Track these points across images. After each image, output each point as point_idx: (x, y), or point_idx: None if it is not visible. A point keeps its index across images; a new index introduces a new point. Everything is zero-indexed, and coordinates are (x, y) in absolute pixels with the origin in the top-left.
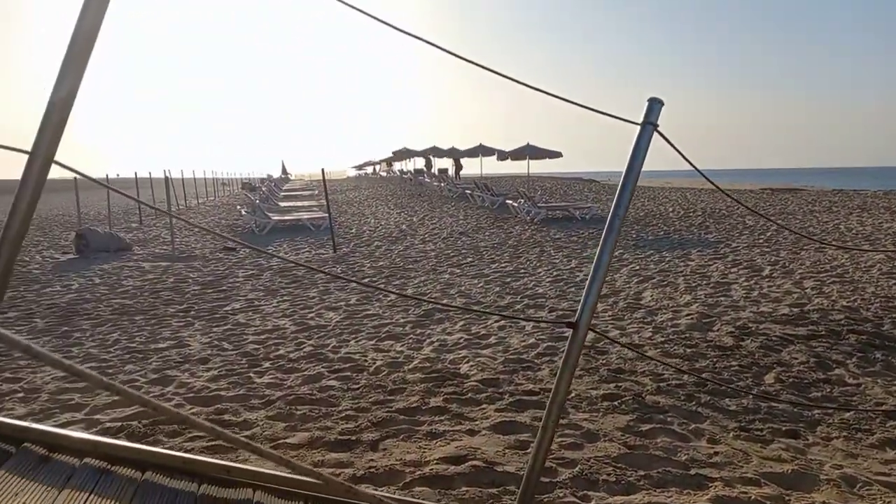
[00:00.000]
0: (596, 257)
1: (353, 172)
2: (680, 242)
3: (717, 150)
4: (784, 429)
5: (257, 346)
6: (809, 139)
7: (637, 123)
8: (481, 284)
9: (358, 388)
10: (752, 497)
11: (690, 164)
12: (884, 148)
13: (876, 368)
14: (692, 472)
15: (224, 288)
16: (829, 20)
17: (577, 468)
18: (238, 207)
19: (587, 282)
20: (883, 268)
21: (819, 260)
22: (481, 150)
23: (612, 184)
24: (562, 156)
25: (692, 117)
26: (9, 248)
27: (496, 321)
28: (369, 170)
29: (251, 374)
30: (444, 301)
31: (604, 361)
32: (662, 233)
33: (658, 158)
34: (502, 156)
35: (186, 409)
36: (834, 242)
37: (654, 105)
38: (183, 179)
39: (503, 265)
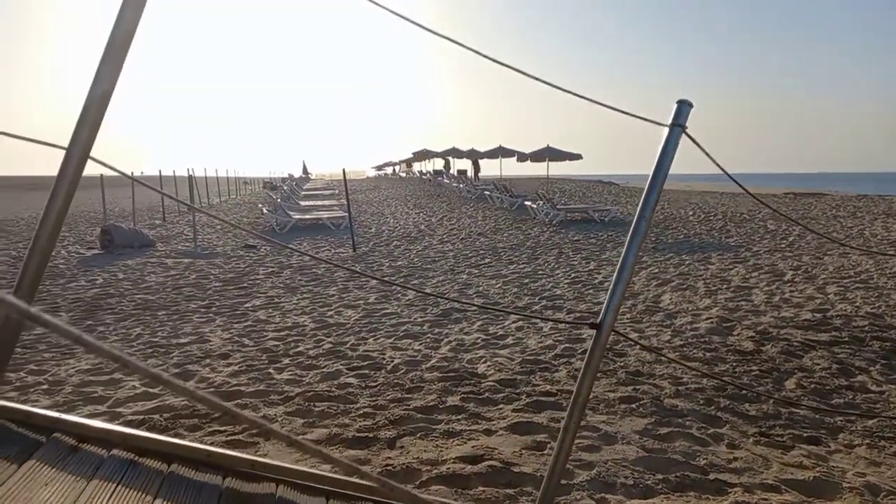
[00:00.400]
0: (621, 259)
1: (372, 173)
2: (700, 246)
3: (736, 153)
4: (805, 435)
5: (277, 343)
6: (834, 142)
7: (665, 125)
8: (499, 285)
9: (376, 386)
10: (772, 503)
11: (719, 166)
12: None
13: None
14: (711, 476)
15: (245, 285)
16: (855, 19)
17: (594, 470)
18: (259, 206)
19: (611, 283)
20: None
21: (843, 265)
22: (501, 152)
23: (631, 187)
24: (582, 158)
25: (710, 119)
26: (45, 241)
27: (513, 322)
28: (389, 170)
29: (271, 370)
30: (464, 300)
31: (622, 364)
32: (682, 236)
33: (679, 162)
34: (522, 157)
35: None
36: (857, 247)
37: (683, 107)
38: (206, 178)
39: (521, 266)
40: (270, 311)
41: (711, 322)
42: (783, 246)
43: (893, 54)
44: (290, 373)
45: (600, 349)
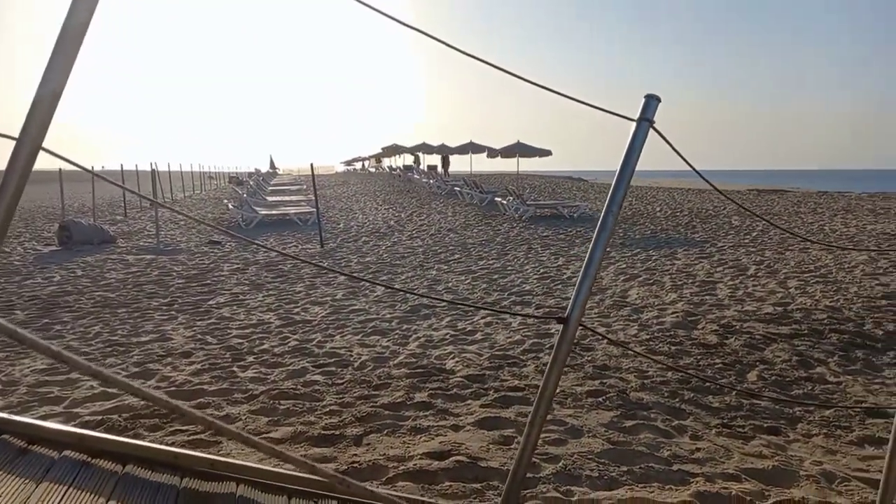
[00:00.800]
0: (588, 254)
1: (341, 168)
2: (667, 241)
3: (702, 149)
4: (765, 425)
5: (241, 341)
6: (796, 141)
7: (633, 119)
8: (468, 281)
9: (342, 384)
10: (733, 492)
11: (685, 160)
12: (870, 151)
13: (857, 367)
14: (674, 467)
15: (209, 282)
16: (817, 22)
17: (560, 463)
18: (225, 201)
19: (579, 278)
20: (866, 269)
21: (803, 260)
22: (471, 148)
23: (600, 183)
24: (552, 154)
25: (680, 115)
26: None
27: (482, 317)
28: (358, 165)
29: (235, 369)
30: (433, 296)
31: (589, 358)
32: (649, 232)
33: (647, 158)
34: (492, 153)
35: None
36: (818, 241)
37: (651, 101)
38: (170, 172)
39: (491, 262)
40: (235, 308)
41: (677, 316)
42: (747, 241)
43: (863, 53)
44: (254, 371)
45: (567, 343)
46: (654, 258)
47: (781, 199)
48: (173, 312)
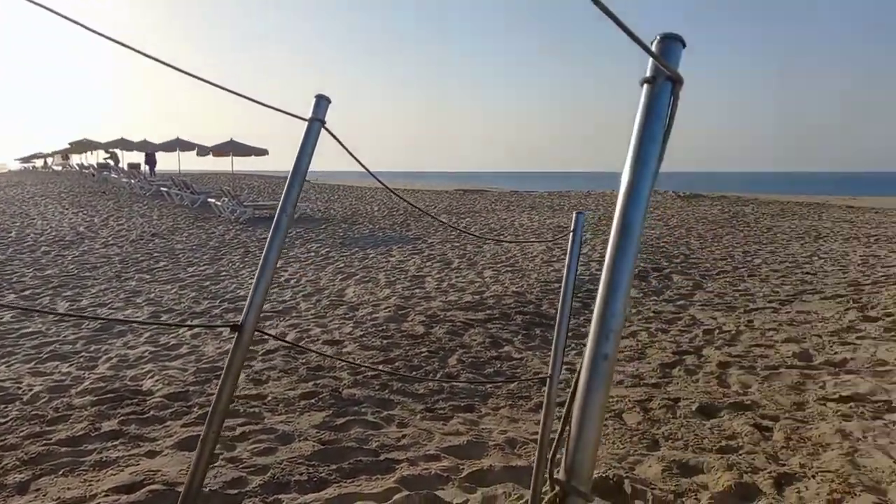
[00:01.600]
0: (262, 257)
1: (17, 165)
2: (384, 240)
3: (398, 152)
4: (463, 405)
5: None
6: (501, 145)
7: (305, 119)
8: (175, 290)
9: (6, 423)
10: (433, 472)
11: (357, 160)
12: (552, 158)
13: (535, 343)
14: (381, 457)
15: None
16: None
17: (268, 473)
18: None
19: (253, 282)
20: (544, 257)
21: (497, 252)
22: (179, 145)
23: (321, 183)
24: (268, 153)
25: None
26: None
27: (189, 329)
28: (39, 163)
29: None
30: (93, 312)
31: (304, 361)
32: (368, 231)
33: (362, 159)
34: (203, 151)
35: None
36: (490, 238)
37: (322, 101)
38: None
39: (202, 268)
40: None
41: (389, 311)
42: (453, 237)
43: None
44: None
45: (242, 351)
46: (371, 256)
47: (482, 198)
48: None
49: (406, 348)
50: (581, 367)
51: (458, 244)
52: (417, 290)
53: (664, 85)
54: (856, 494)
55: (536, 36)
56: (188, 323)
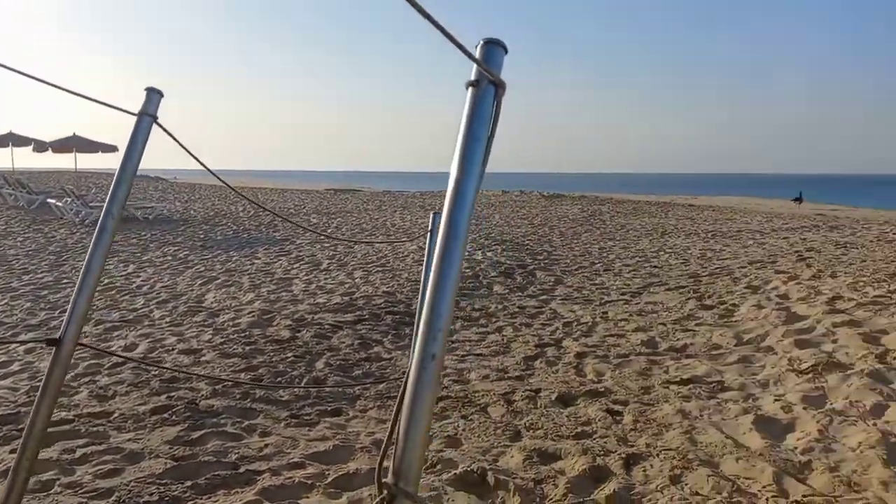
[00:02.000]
0: (85, 264)
1: None
2: (248, 241)
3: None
4: (330, 409)
5: None
6: (360, 145)
7: (133, 114)
8: (6, 301)
9: None
10: (297, 480)
11: (194, 157)
12: (419, 154)
13: (405, 342)
14: (242, 469)
15: None
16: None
17: (113, 497)
18: None
19: (74, 292)
20: (415, 256)
21: (368, 252)
22: (12, 139)
23: (180, 182)
24: (117, 150)
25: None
26: None
27: (22, 345)
28: None
29: None
30: None
31: (157, 373)
32: (231, 232)
33: (234, 159)
34: (41, 147)
35: None
36: (352, 239)
37: (153, 95)
38: None
39: (40, 276)
40: None
41: (253, 316)
42: (322, 237)
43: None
44: None
45: (61, 368)
46: (234, 259)
47: (354, 197)
48: None
49: (270, 354)
50: (409, 368)
51: (327, 245)
52: (284, 294)
53: (487, 88)
54: (693, 469)
55: (376, 36)
56: (5, 339)
